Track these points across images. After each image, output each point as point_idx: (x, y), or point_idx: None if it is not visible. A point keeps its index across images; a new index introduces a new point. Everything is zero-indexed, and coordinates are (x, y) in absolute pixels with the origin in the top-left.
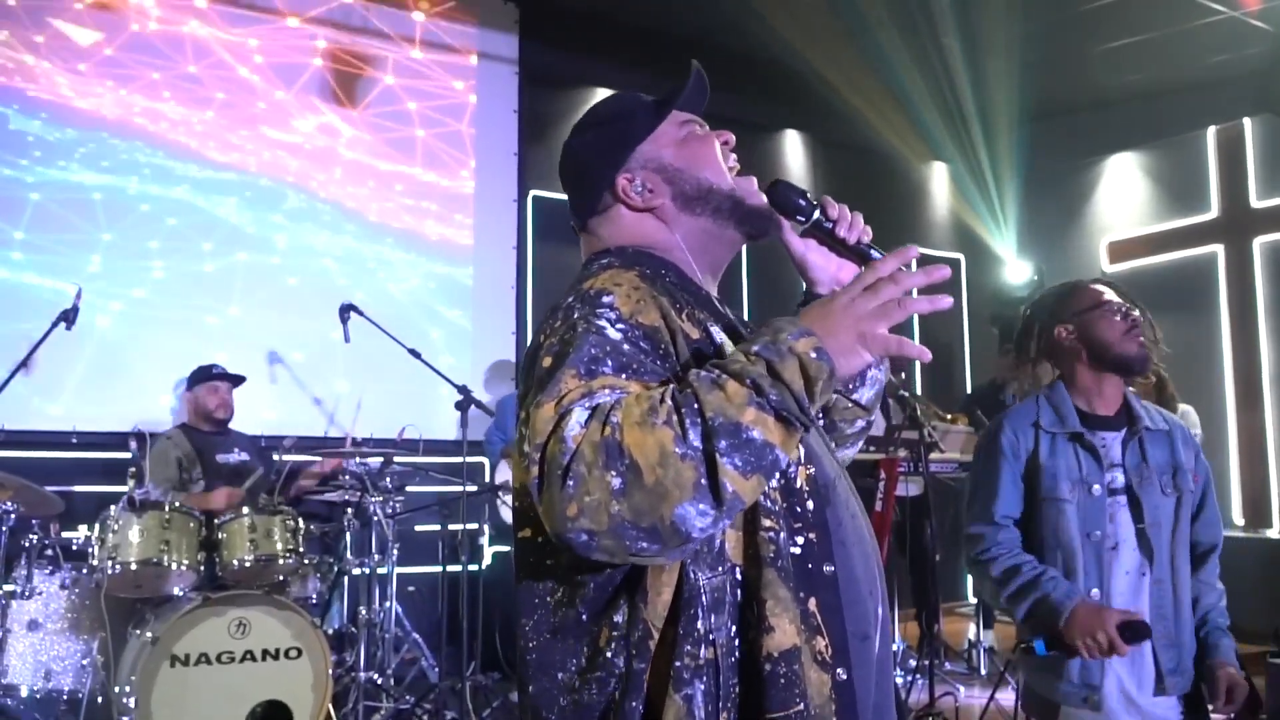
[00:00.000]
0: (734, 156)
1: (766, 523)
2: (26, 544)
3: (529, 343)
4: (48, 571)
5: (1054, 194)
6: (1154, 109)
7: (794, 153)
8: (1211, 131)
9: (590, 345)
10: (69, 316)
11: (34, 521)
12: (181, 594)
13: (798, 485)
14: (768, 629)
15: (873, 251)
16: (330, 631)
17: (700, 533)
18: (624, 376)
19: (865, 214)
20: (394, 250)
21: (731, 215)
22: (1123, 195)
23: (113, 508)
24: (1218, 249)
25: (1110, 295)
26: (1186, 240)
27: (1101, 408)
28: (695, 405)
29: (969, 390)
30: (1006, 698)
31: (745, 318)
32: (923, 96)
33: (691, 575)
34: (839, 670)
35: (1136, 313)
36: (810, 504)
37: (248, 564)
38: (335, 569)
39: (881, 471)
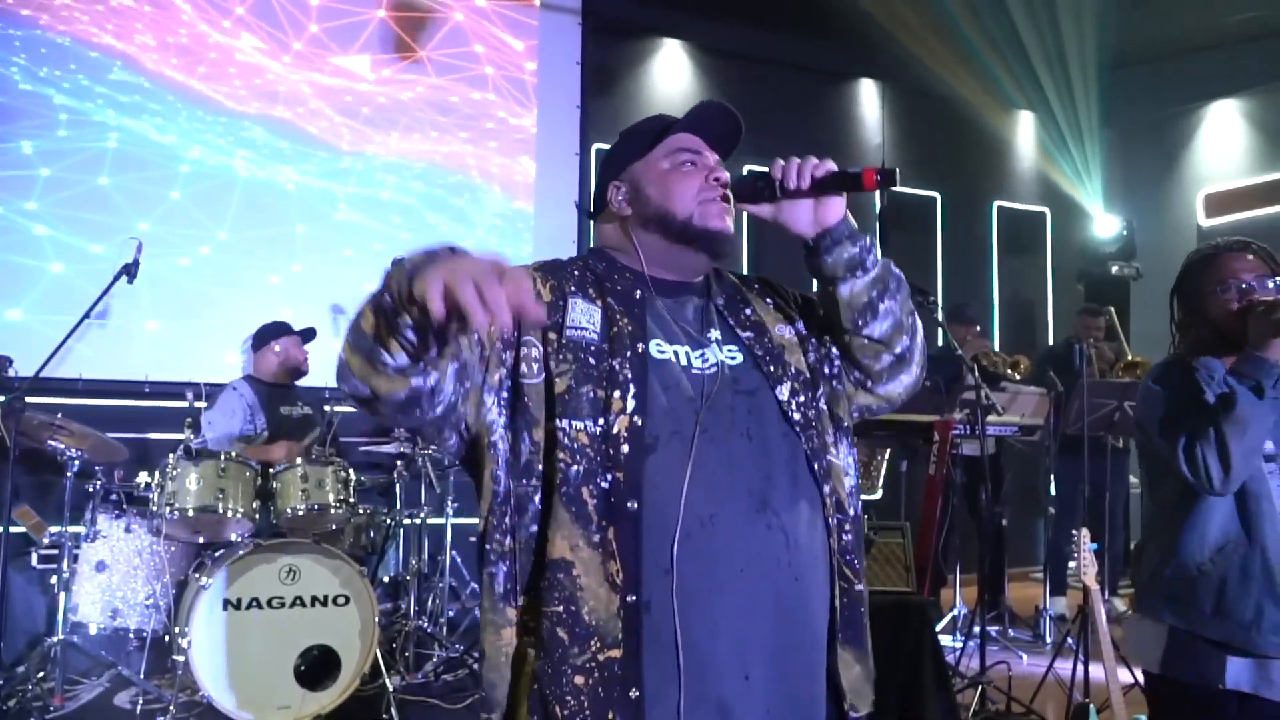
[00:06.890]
0: (721, 187)
1: (561, 455)
2: (91, 489)
3: None
4: (113, 516)
5: (1146, 144)
6: (1259, 52)
7: (869, 102)
8: None
9: None
10: (130, 270)
11: (98, 468)
12: (239, 540)
13: (614, 431)
14: (549, 540)
15: (832, 177)
16: (386, 580)
17: (344, 386)
18: None
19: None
20: (456, 200)
21: (681, 237)
22: (1222, 144)
23: (171, 455)
24: None
25: (1243, 268)
26: None
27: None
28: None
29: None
30: (1065, 667)
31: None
32: (1005, 42)
33: (500, 479)
34: (629, 595)
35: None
36: (625, 448)
37: (300, 513)
38: (388, 519)
39: (935, 433)
